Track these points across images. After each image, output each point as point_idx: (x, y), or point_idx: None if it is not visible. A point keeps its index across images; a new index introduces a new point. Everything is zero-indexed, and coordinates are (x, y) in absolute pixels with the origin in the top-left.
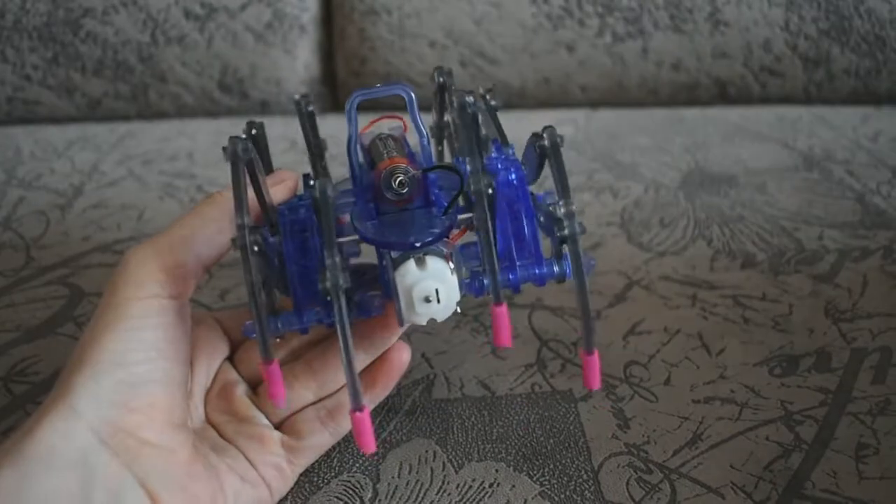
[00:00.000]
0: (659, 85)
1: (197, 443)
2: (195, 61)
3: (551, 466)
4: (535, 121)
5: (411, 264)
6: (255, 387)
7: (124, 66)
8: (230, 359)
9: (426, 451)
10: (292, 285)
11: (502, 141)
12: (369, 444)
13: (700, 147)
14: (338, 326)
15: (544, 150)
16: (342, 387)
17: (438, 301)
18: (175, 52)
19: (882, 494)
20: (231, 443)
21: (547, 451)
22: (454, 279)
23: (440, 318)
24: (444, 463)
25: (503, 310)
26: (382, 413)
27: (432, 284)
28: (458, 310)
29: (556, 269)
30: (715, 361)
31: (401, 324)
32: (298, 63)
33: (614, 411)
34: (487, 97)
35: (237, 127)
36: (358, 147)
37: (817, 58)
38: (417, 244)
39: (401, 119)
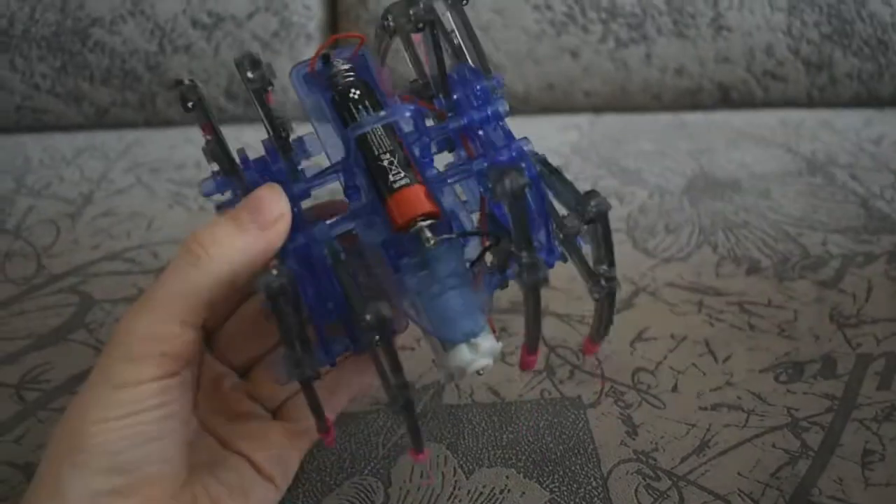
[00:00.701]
0: (662, 90)
1: (197, 488)
2: (202, 69)
3: (561, 473)
4: (539, 126)
5: (464, 350)
6: (243, 373)
7: (132, 75)
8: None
9: (437, 456)
10: (313, 318)
11: (484, 69)
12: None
13: (704, 152)
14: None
15: (593, 220)
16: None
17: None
18: (182, 60)
19: (888, 501)
20: (230, 447)
21: (556, 458)
22: (499, 345)
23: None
24: (455, 468)
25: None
26: (392, 417)
27: (485, 363)
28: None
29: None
30: (721, 368)
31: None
32: None
33: (623, 418)
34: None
35: (243, 134)
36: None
37: (819, 62)
38: (474, 339)
39: (359, 36)
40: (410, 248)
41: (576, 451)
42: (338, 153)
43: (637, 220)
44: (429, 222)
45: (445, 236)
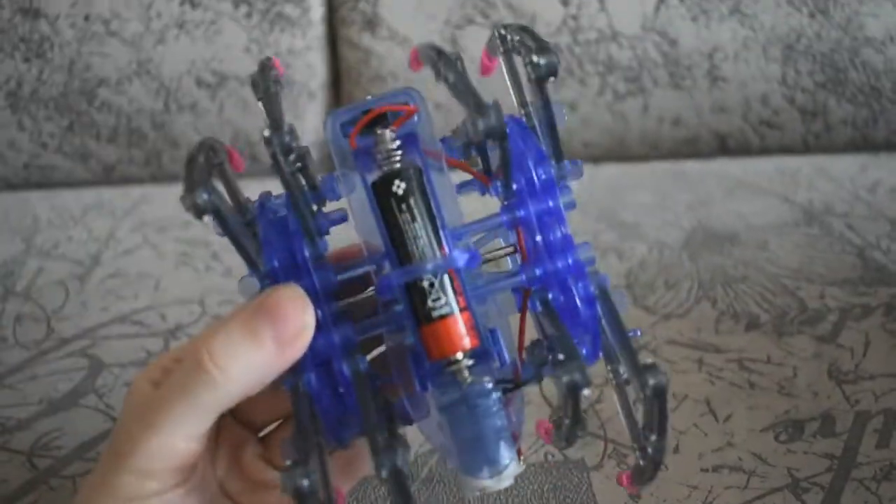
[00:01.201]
0: (660, 140)
1: None
2: (207, 127)
3: None
4: None
5: (486, 480)
6: (262, 437)
7: (138, 133)
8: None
9: None
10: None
11: (556, 156)
12: None
13: (702, 203)
14: None
15: (648, 395)
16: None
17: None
18: (187, 119)
19: None
20: None
21: None
22: (522, 467)
23: None
24: None
25: None
26: None
27: (506, 484)
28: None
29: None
30: (722, 428)
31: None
32: (307, 127)
33: None
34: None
35: (248, 190)
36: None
37: (814, 109)
38: (507, 468)
39: (409, 109)
40: (444, 378)
41: None
42: (369, 228)
43: (637, 276)
44: (469, 362)
45: (486, 381)
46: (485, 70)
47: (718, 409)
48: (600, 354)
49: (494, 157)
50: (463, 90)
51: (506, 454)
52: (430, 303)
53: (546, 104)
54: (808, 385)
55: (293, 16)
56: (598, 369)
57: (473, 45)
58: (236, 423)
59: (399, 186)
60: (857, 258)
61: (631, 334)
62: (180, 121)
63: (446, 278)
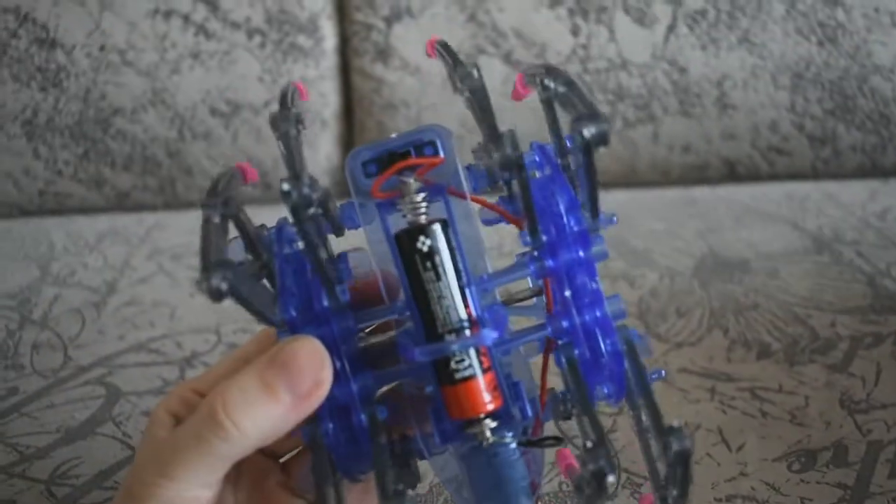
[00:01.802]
0: (670, 166)
1: None
2: (221, 155)
3: None
4: None
5: None
6: (283, 463)
7: (152, 161)
8: None
9: None
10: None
11: (592, 211)
12: None
13: (712, 231)
14: None
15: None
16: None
17: None
18: (201, 147)
19: None
20: None
21: None
22: None
23: None
24: None
25: None
26: None
27: None
28: None
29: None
30: (735, 458)
31: None
32: (320, 155)
33: None
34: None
35: (259, 217)
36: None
37: (823, 136)
38: None
39: (436, 161)
40: (464, 436)
41: None
42: (388, 259)
43: (649, 304)
44: (492, 424)
45: (508, 438)
46: (516, 96)
47: (731, 438)
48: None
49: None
50: (480, 115)
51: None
52: (453, 364)
53: (590, 168)
54: (821, 414)
55: (306, 46)
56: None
57: (484, 73)
58: (258, 453)
59: (424, 244)
60: (867, 286)
61: (654, 376)
62: (194, 149)
63: None
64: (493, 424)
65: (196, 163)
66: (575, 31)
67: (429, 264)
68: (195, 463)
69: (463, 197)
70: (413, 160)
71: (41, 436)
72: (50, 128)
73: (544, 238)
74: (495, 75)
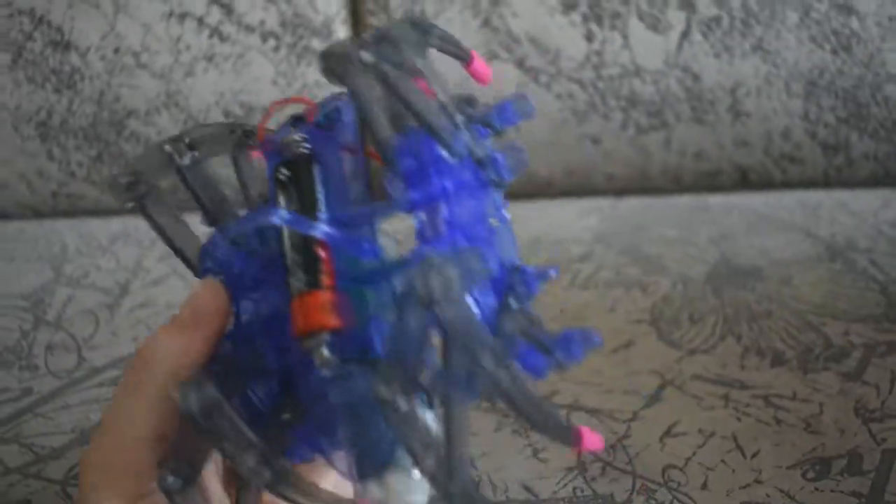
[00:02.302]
0: (682, 173)
1: None
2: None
3: None
4: (561, 210)
5: (373, 488)
6: None
7: None
8: None
9: None
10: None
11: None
12: None
13: (725, 238)
14: None
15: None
16: None
17: None
18: None
19: None
20: None
21: None
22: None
23: None
24: None
25: None
26: None
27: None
28: None
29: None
30: (750, 464)
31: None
32: None
33: None
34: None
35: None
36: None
37: (836, 144)
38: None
39: (307, 102)
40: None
41: None
42: None
43: (662, 311)
44: (326, 342)
45: (347, 364)
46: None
47: (746, 445)
48: None
49: None
50: None
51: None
52: (293, 280)
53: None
54: (835, 422)
55: (320, 50)
56: (625, 405)
57: (497, 78)
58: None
59: (284, 174)
60: (880, 294)
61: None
62: None
63: (319, 252)
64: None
65: (208, 165)
66: (589, 37)
67: (283, 193)
68: (122, 417)
69: (356, 153)
70: (278, 102)
71: (56, 436)
72: (64, 129)
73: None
74: (509, 81)
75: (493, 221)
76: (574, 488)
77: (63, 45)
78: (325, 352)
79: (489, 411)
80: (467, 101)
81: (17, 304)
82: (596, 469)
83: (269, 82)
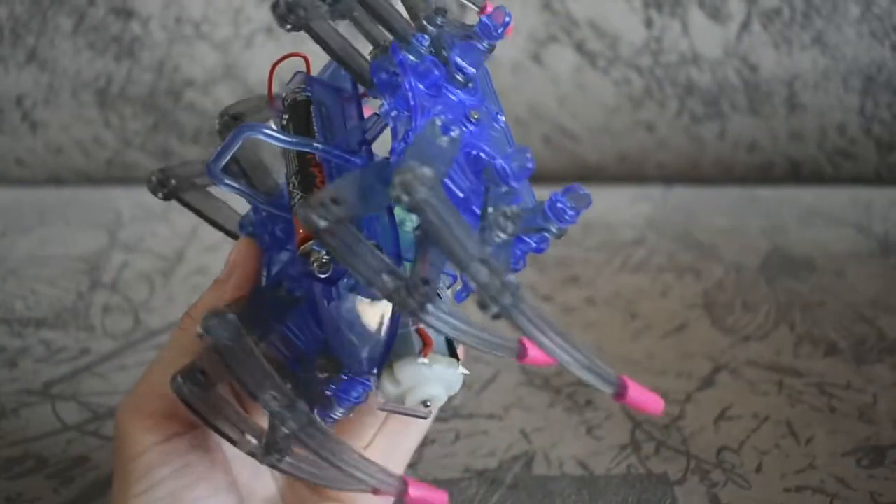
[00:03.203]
0: (734, 164)
1: None
2: None
3: None
4: (613, 196)
5: (387, 383)
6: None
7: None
8: None
9: None
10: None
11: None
12: None
13: (777, 229)
14: None
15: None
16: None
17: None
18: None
19: None
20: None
21: None
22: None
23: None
24: None
25: None
26: (486, 485)
27: (427, 391)
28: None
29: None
30: (804, 450)
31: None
32: None
33: (709, 497)
34: None
35: None
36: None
37: (891, 141)
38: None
39: (301, 56)
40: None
41: None
42: None
43: (715, 297)
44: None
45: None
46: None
47: (800, 431)
48: None
49: None
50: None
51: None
52: (293, 201)
53: None
54: (889, 413)
55: None
56: (678, 387)
57: (555, 62)
58: None
59: (284, 119)
60: None
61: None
62: None
63: (312, 170)
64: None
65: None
66: (648, 24)
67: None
68: (168, 360)
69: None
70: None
71: (113, 395)
72: (122, 97)
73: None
74: (566, 64)
75: (474, 115)
76: (628, 466)
77: (125, 12)
78: (320, 252)
79: (543, 388)
80: (438, 11)
81: (73, 266)
82: (650, 448)
83: (327, 56)
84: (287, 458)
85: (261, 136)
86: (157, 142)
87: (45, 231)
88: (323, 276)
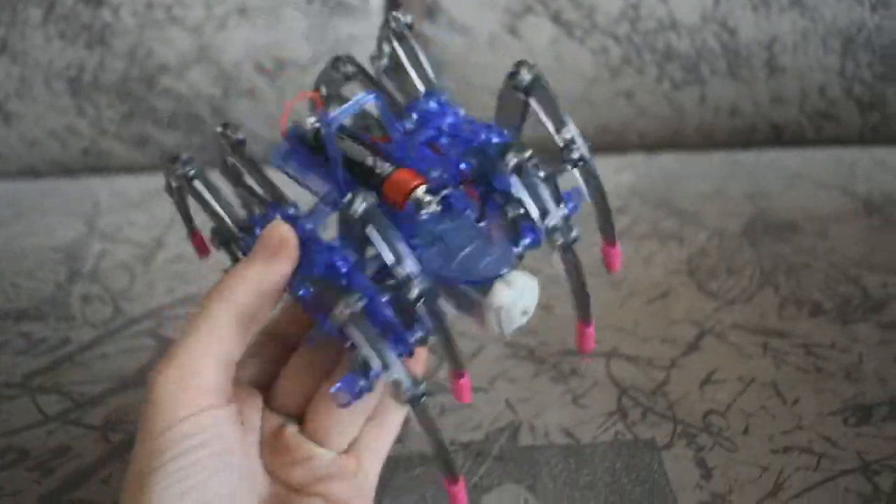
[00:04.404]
0: (716, 129)
1: None
2: (265, 114)
3: None
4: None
5: (501, 289)
6: (300, 420)
7: (197, 119)
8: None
9: (518, 498)
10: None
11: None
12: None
13: (760, 193)
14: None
15: (527, 89)
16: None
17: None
18: (246, 104)
19: None
20: (306, 491)
21: (634, 500)
22: (535, 280)
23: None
24: None
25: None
26: (472, 457)
27: (527, 302)
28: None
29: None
30: (790, 411)
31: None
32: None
33: (696, 460)
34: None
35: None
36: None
37: (872, 101)
38: (503, 272)
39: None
40: (418, 227)
41: (652, 493)
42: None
43: (698, 262)
44: (422, 188)
45: (444, 194)
46: None
47: (786, 392)
48: None
49: None
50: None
51: (507, 256)
52: (377, 171)
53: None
54: (875, 371)
55: (354, 3)
56: (663, 352)
57: (532, 33)
58: (273, 413)
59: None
60: None
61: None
62: (239, 107)
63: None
64: (424, 188)
65: (240, 120)
66: None
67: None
68: (197, 335)
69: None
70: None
71: (94, 384)
72: (95, 86)
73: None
74: (543, 36)
75: None
76: (615, 433)
77: (94, 0)
78: (428, 197)
79: (527, 359)
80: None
81: (52, 257)
82: (636, 414)
83: (302, 36)
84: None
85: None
86: (133, 129)
87: (23, 223)
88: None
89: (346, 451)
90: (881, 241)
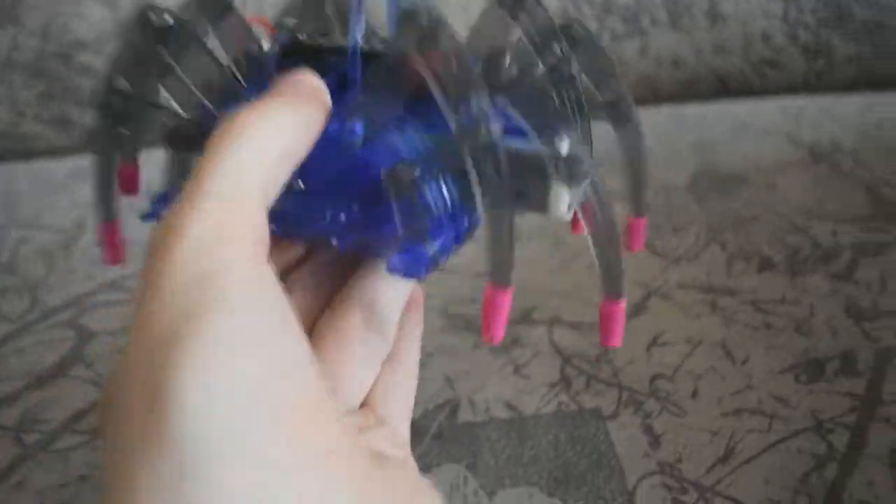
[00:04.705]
0: (659, 82)
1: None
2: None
3: (585, 490)
4: None
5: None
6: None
7: None
8: None
9: (457, 477)
10: None
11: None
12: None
13: (706, 146)
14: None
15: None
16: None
17: None
18: None
19: None
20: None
21: (580, 473)
22: None
23: None
24: (476, 489)
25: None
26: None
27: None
28: None
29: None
30: (740, 370)
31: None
32: None
33: (644, 428)
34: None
35: None
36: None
37: (817, 47)
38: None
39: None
40: None
41: (599, 465)
42: None
43: None
44: None
45: None
46: None
47: (735, 351)
48: None
49: None
50: None
51: None
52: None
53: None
54: (826, 323)
55: None
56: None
57: None
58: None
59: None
60: (867, 194)
61: None
62: None
63: None
64: None
65: (164, 97)
66: None
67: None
68: (226, 169)
69: None
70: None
71: (9, 382)
72: (9, 66)
73: None
74: None
75: None
76: (559, 403)
77: None
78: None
79: (466, 330)
80: None
81: None
82: (580, 383)
83: None
84: None
85: None
86: (53, 110)
87: None
88: None
89: (361, 406)
90: (829, 190)
